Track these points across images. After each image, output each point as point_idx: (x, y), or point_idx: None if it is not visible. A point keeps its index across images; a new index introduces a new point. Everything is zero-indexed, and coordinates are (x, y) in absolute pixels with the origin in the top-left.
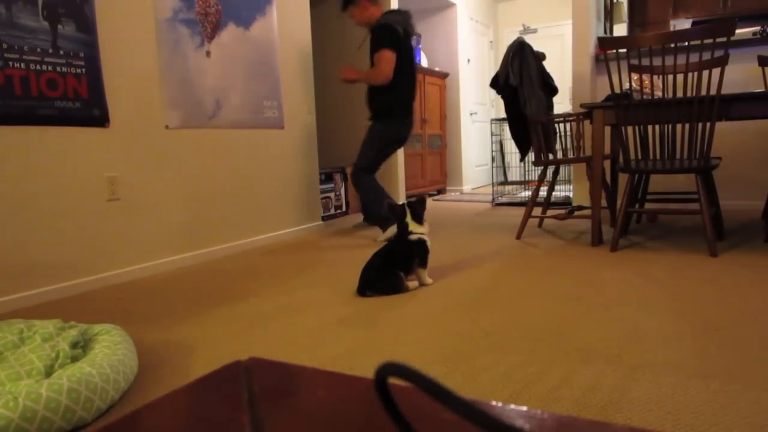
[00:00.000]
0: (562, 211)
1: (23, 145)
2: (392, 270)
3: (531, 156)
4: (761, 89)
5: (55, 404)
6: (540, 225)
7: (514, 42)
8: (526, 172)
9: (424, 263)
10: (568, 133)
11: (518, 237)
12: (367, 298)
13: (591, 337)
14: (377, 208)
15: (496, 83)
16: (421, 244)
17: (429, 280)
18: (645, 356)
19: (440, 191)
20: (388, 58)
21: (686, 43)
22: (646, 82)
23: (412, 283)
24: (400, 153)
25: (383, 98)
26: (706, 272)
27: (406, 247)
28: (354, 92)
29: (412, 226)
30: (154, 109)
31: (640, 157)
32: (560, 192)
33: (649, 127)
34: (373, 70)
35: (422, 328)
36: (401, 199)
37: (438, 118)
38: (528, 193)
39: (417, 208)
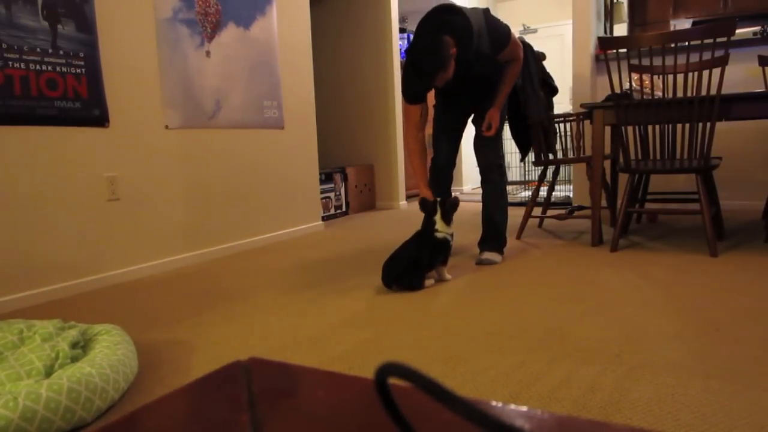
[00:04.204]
0: (562, 211)
1: (23, 145)
2: (420, 267)
3: (531, 156)
4: (761, 89)
5: (54, 404)
6: (540, 225)
7: None
8: (526, 172)
9: (445, 261)
10: (568, 133)
11: (518, 237)
12: (366, 297)
13: (591, 337)
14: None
15: None
16: (446, 242)
17: (448, 276)
18: (645, 356)
19: None
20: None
21: (686, 43)
22: (646, 82)
23: (428, 281)
24: (400, 153)
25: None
26: (706, 272)
27: (434, 245)
28: (354, 92)
29: (439, 224)
30: (154, 109)
31: (640, 157)
32: (560, 192)
33: (649, 127)
34: (516, 64)
35: (422, 328)
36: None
37: None
38: (528, 193)
39: (448, 209)
